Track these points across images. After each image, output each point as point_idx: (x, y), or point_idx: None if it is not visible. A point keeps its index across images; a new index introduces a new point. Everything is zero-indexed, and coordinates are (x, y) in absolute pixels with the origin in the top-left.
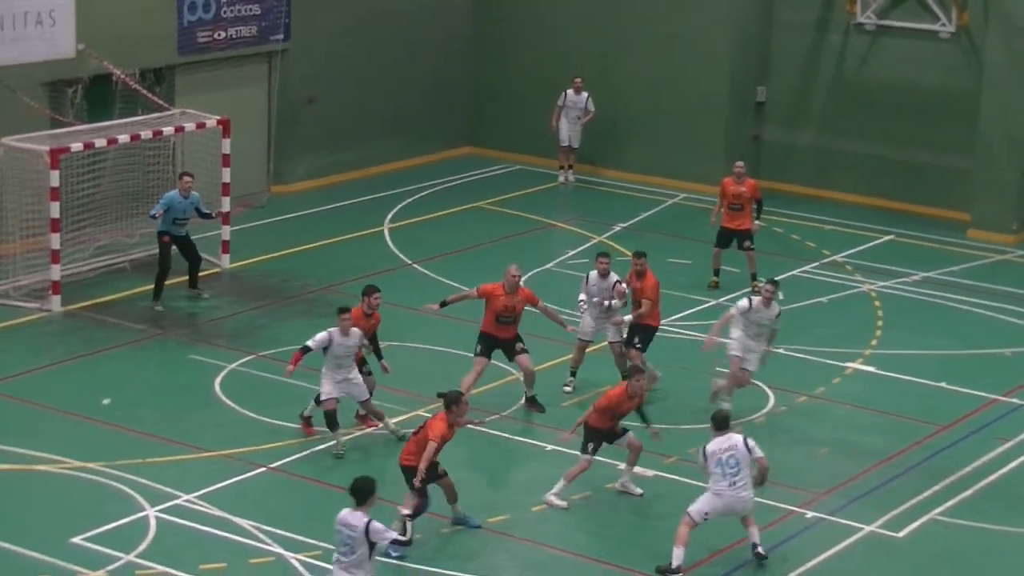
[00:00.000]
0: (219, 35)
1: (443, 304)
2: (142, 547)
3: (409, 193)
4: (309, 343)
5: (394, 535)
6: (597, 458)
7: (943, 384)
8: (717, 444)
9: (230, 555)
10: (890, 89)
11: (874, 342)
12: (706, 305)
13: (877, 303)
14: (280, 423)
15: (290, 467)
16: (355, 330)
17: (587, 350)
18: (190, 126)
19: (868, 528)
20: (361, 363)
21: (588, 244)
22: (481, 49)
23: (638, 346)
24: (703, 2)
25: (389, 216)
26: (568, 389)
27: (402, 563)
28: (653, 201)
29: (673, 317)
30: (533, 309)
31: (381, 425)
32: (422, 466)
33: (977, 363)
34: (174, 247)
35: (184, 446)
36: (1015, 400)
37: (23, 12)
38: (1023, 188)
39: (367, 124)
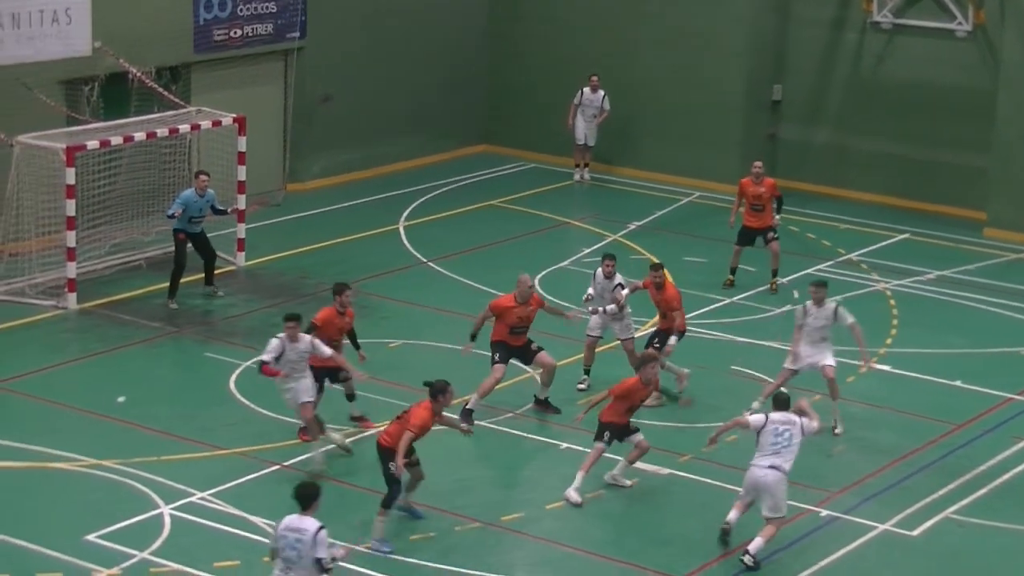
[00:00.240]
0: (235, 33)
1: (472, 338)
2: (156, 545)
3: (424, 191)
4: (264, 356)
5: (327, 555)
6: (613, 457)
7: (958, 383)
8: (780, 415)
9: (244, 553)
10: (906, 88)
11: (889, 341)
12: (720, 304)
13: (892, 302)
14: (295, 421)
15: (304, 465)
16: (306, 337)
17: (596, 348)
18: (206, 124)
19: (883, 526)
20: (337, 370)
21: (603, 242)
22: (497, 47)
23: (657, 346)
24: (719, 0)
25: (404, 214)
26: (583, 387)
27: (416, 561)
28: (668, 199)
29: (688, 315)
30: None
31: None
32: (399, 458)
33: (992, 362)
34: (189, 244)
35: (199, 444)
36: (1020, 397)
37: (39, 10)
38: None
39: (383, 122)
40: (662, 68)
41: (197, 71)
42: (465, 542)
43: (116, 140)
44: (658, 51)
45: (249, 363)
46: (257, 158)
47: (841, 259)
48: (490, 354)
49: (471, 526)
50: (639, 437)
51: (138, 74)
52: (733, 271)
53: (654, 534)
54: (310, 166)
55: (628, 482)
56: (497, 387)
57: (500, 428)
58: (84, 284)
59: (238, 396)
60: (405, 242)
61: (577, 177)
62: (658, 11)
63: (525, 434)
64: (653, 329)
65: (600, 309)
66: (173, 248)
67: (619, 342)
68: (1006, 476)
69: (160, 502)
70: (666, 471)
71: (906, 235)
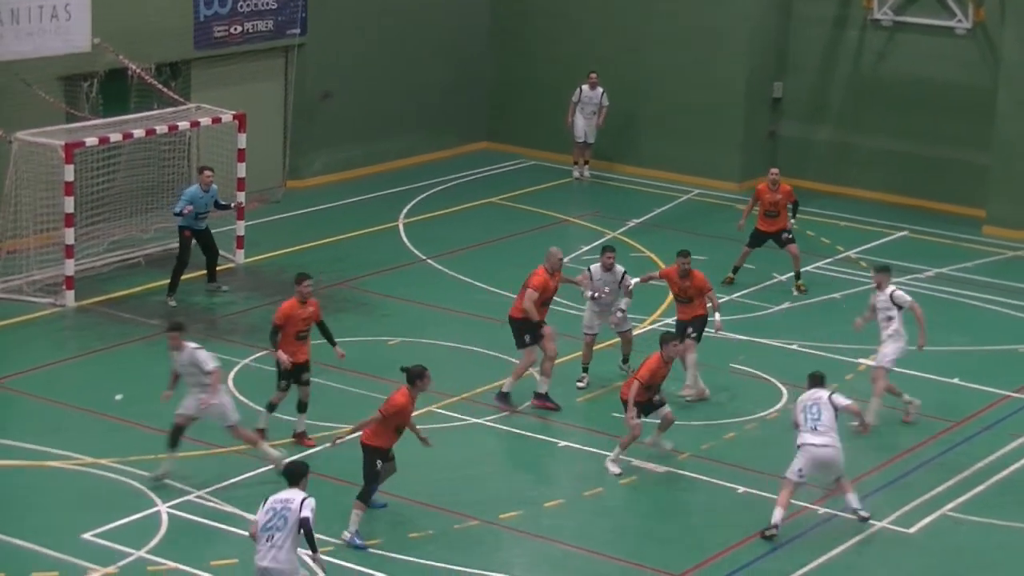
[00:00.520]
0: (235, 29)
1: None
2: (153, 543)
3: (424, 188)
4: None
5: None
6: (611, 455)
7: (956, 380)
8: (809, 394)
9: (241, 551)
10: (907, 85)
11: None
12: (720, 301)
13: None
14: (292, 419)
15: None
16: (189, 345)
17: (595, 346)
18: (206, 121)
19: (881, 524)
20: (301, 370)
21: (602, 239)
22: (498, 44)
23: (693, 335)
24: None
25: (404, 211)
26: (581, 384)
27: (415, 559)
28: (668, 197)
29: None
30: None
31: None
32: (352, 430)
33: (991, 359)
34: (194, 241)
35: (196, 442)
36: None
37: (38, 6)
38: None
39: (383, 119)
40: (663, 65)
41: (197, 67)
42: (464, 540)
43: (115, 137)
44: (659, 48)
45: (248, 361)
46: (257, 155)
47: (840, 256)
48: (520, 334)
49: (470, 524)
50: (666, 410)
51: (138, 70)
52: (735, 270)
53: (653, 532)
54: (310, 163)
55: (669, 444)
56: (497, 384)
57: (498, 426)
58: (82, 281)
59: (237, 394)
60: (405, 239)
61: (577, 174)
62: (659, 9)
63: (524, 432)
64: (673, 321)
65: (618, 311)
66: (173, 245)
67: (617, 331)
68: (1004, 473)
69: (157, 500)
70: (664, 468)
71: (905, 232)
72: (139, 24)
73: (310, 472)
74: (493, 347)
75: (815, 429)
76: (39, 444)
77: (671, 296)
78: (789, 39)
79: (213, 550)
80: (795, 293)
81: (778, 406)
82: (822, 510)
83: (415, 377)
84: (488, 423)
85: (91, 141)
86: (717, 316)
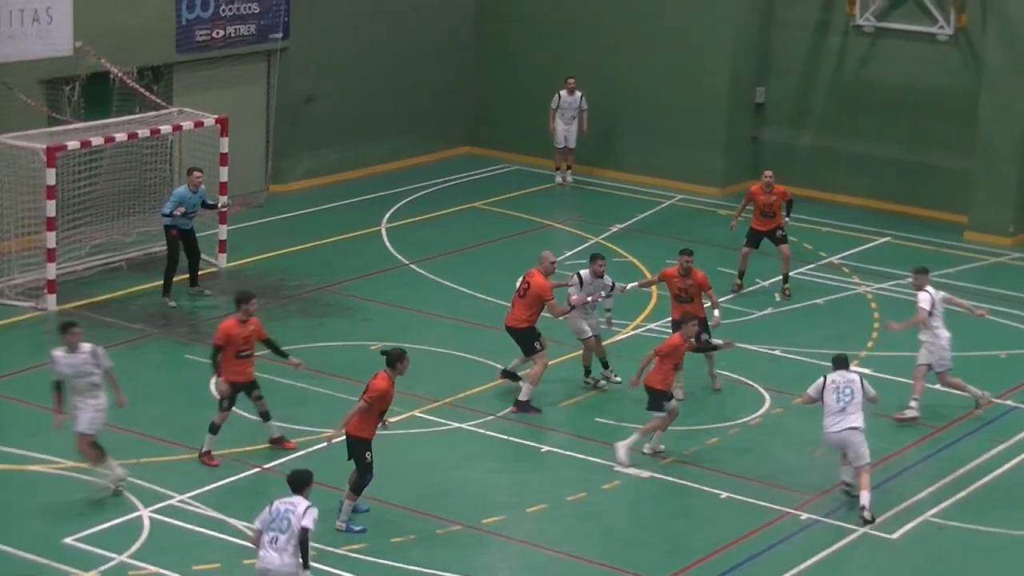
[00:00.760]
0: (218, 33)
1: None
2: (135, 547)
3: (407, 193)
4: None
5: (311, 525)
6: (594, 459)
7: (938, 386)
8: (838, 375)
9: (224, 556)
10: (889, 91)
11: (870, 344)
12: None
13: (874, 305)
14: (275, 424)
15: (284, 468)
16: (86, 346)
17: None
18: (188, 125)
19: (863, 529)
20: (250, 388)
21: (586, 245)
22: (481, 49)
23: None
24: (704, 3)
25: (387, 216)
26: (603, 383)
27: (397, 564)
28: (651, 202)
29: (667, 320)
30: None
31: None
32: (340, 424)
33: (973, 365)
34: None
35: (178, 446)
36: (1010, 402)
37: (20, 9)
38: (1021, 190)
39: (366, 124)
40: (646, 71)
41: (179, 71)
42: (447, 545)
43: (97, 140)
44: (642, 54)
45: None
46: (240, 159)
47: (823, 262)
48: (530, 342)
49: (453, 529)
50: (674, 404)
51: (120, 74)
52: (741, 275)
53: (636, 537)
54: (293, 167)
55: (662, 446)
56: (479, 389)
57: (481, 431)
58: (64, 285)
59: (218, 399)
60: (387, 244)
61: (559, 180)
62: (642, 13)
63: (507, 437)
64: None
65: (606, 311)
66: (156, 249)
67: (587, 338)
68: (987, 479)
69: (139, 505)
70: (648, 474)
71: (888, 238)
72: (121, 28)
73: (313, 480)
74: (476, 352)
75: (843, 411)
76: (19, 448)
77: (654, 302)
78: (771, 44)
79: (196, 555)
80: (778, 298)
81: (761, 412)
82: (804, 515)
83: (395, 360)
84: (470, 428)
85: (73, 145)
86: (716, 313)
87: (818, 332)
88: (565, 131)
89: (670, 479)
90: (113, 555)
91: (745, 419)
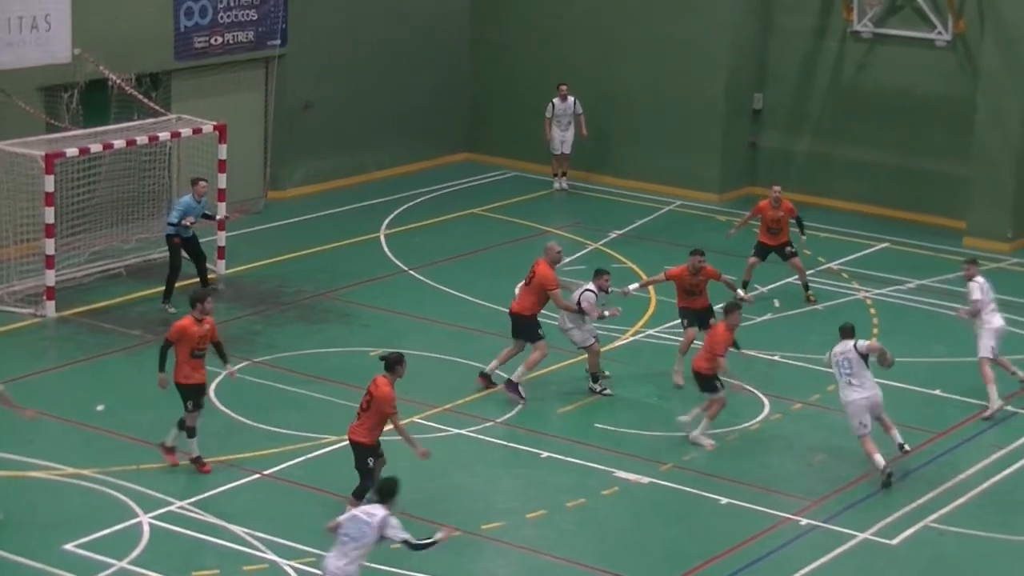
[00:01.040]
0: (216, 40)
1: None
2: (135, 554)
3: (406, 199)
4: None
5: (406, 536)
6: (593, 465)
7: (937, 391)
8: (839, 346)
9: (224, 562)
10: (887, 96)
11: None
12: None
13: (872, 310)
14: (274, 429)
15: (284, 474)
16: None
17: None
18: (186, 131)
19: (862, 535)
20: (200, 391)
21: (584, 251)
22: (478, 55)
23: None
24: (701, 8)
25: (386, 222)
26: (609, 391)
27: (396, 569)
28: (649, 208)
29: (666, 325)
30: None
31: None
32: (410, 440)
33: (972, 371)
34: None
35: (178, 452)
36: (1009, 408)
37: (18, 16)
38: (1019, 196)
39: (364, 130)
40: (643, 76)
41: (177, 78)
42: (446, 550)
43: (96, 147)
44: (639, 60)
45: (228, 371)
46: (238, 166)
47: (821, 268)
48: (533, 329)
49: (452, 534)
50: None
51: (118, 81)
52: (745, 285)
53: (635, 542)
54: (291, 174)
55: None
56: (478, 395)
57: (480, 436)
58: (63, 292)
59: (218, 404)
60: (386, 250)
61: (556, 186)
62: (640, 19)
63: (506, 442)
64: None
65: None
66: (154, 256)
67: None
68: (986, 484)
69: (139, 511)
70: (647, 480)
71: (886, 244)
72: (120, 35)
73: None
74: (475, 357)
75: (850, 383)
76: (19, 454)
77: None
78: (769, 50)
79: (195, 561)
80: (812, 300)
81: (760, 417)
82: (804, 521)
83: (393, 363)
84: (470, 433)
85: (71, 152)
86: (741, 292)
87: (817, 337)
88: (560, 137)
89: (669, 485)
90: (113, 561)
91: (744, 425)
